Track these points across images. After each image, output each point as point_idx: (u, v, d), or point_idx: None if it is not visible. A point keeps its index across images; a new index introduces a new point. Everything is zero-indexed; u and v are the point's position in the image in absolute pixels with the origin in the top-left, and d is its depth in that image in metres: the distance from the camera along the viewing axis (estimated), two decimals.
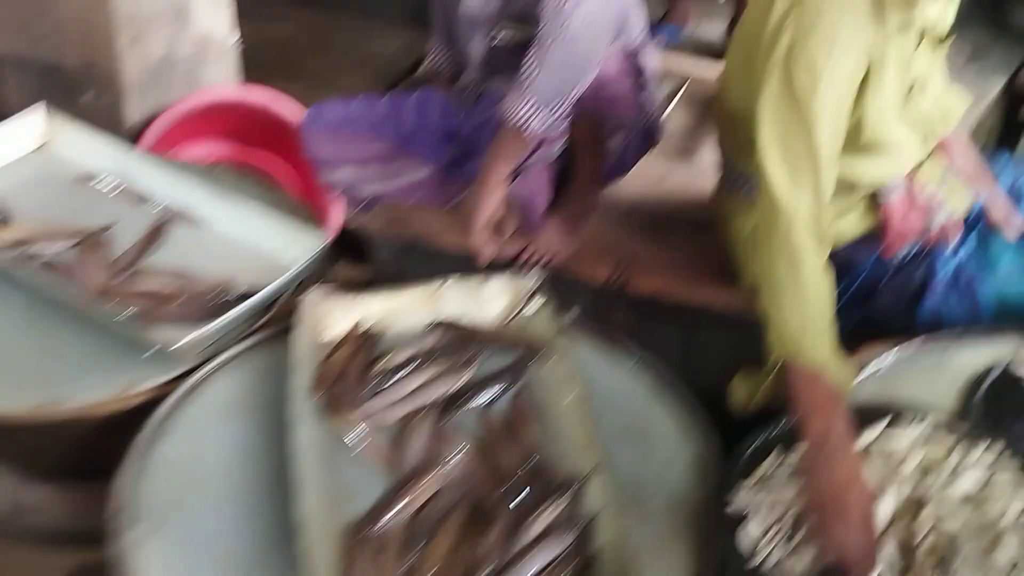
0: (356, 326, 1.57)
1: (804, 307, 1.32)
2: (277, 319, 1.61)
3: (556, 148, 1.72)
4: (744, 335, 1.49)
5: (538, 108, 1.56)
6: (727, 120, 1.66)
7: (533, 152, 1.67)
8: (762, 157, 1.39)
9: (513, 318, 1.61)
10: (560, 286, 1.65)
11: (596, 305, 1.71)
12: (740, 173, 1.65)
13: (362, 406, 1.44)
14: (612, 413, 1.46)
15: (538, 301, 1.58)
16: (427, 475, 1.32)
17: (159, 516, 1.28)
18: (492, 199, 1.64)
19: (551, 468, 1.35)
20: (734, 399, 1.43)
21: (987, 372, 1.48)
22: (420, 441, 1.38)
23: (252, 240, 1.79)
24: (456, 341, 1.57)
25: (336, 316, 1.57)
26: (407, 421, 1.42)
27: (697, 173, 2.11)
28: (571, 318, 1.61)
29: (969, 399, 1.45)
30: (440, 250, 1.85)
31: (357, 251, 1.96)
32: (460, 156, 1.79)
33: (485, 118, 1.71)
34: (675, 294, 1.78)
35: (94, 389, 1.49)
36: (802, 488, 1.26)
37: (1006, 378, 1.46)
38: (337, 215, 2.25)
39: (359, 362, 1.51)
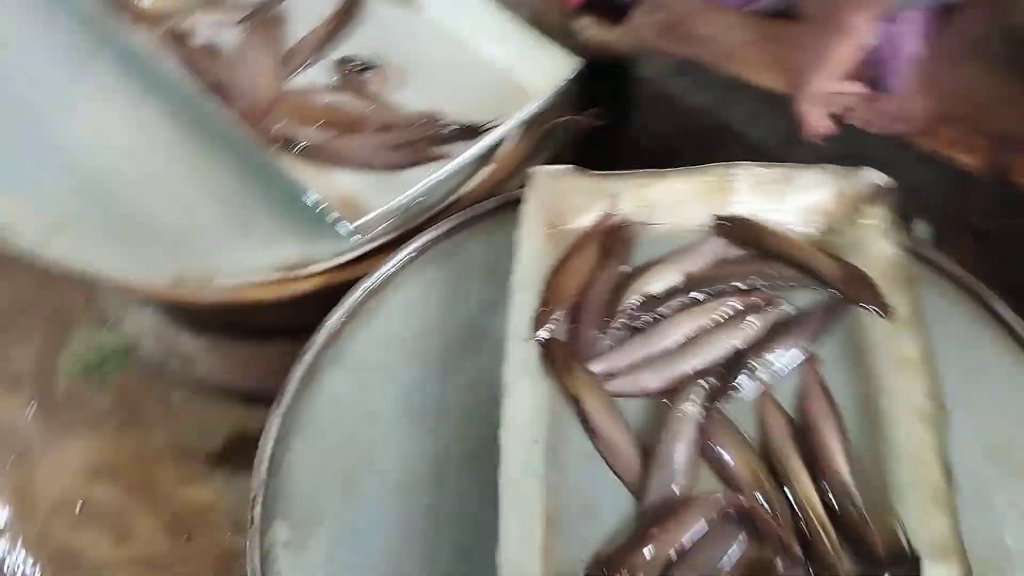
0: (606, 217, 1.09)
1: None
2: (489, 189, 1.15)
3: None
4: None
5: None
6: None
7: None
8: None
9: (835, 231, 1.08)
10: (912, 181, 1.10)
11: (963, 215, 1.15)
12: None
13: (605, 360, 0.99)
14: (987, 417, 0.96)
15: (878, 209, 1.04)
16: (688, 512, 0.89)
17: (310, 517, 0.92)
18: (844, 47, 1.06)
19: (871, 513, 0.89)
20: None
21: None
22: (685, 445, 0.93)
23: (481, 47, 1.29)
24: (748, 259, 1.07)
25: (579, 199, 1.08)
26: (670, 397, 0.96)
27: None
28: (925, 239, 1.07)
29: None
30: (738, 85, 1.27)
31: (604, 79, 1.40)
32: None
33: None
34: None
35: (249, 261, 1.10)
36: None
37: None
38: None
39: (605, 279, 1.04)
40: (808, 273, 1.05)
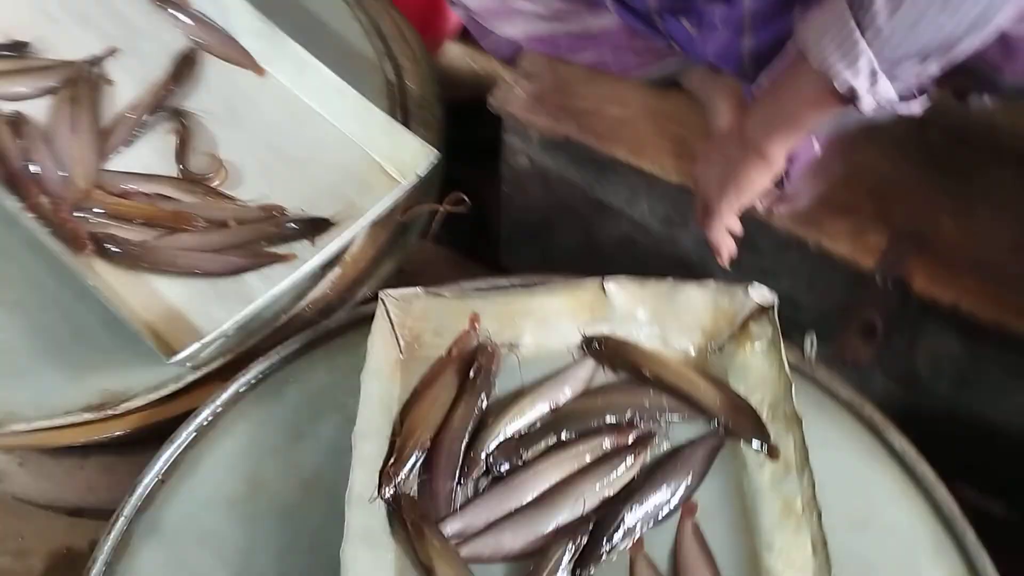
0: (465, 341, 0.97)
1: None
2: (335, 296, 1.02)
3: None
4: None
5: (893, 58, 0.79)
6: None
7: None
8: None
9: (717, 351, 0.99)
10: (805, 283, 1.01)
11: (850, 321, 1.07)
12: None
13: (461, 518, 0.87)
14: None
15: (762, 327, 0.95)
16: None
17: None
18: (764, 176, 0.95)
19: None
20: None
21: None
22: None
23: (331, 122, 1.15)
24: (622, 386, 0.97)
25: (435, 322, 0.96)
26: (535, 563, 0.85)
27: None
28: (813, 356, 0.98)
29: None
30: (617, 165, 1.14)
31: (470, 123, 1.26)
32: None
33: None
34: (999, 315, 1.01)
35: (53, 396, 0.95)
36: None
37: None
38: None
39: (463, 417, 0.93)
40: (686, 402, 0.95)
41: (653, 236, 1.20)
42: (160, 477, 0.89)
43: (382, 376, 0.91)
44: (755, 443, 0.91)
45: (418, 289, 0.94)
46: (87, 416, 0.93)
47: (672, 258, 1.20)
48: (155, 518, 0.87)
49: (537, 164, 1.21)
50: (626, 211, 1.20)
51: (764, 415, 0.92)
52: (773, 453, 0.90)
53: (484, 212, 1.22)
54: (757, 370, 0.95)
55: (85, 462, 1.12)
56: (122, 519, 0.86)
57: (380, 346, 0.91)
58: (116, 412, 0.94)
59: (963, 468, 0.96)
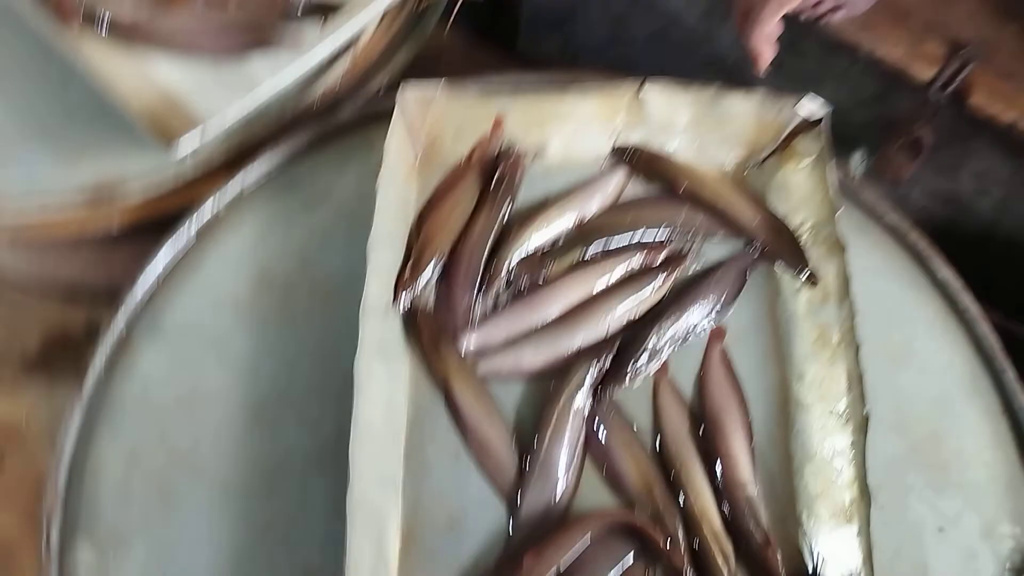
0: (488, 145, 0.90)
1: None
2: (345, 88, 0.94)
3: None
4: None
5: None
6: None
7: None
8: None
9: (758, 167, 0.92)
10: (855, 96, 0.93)
11: (895, 135, 0.99)
12: None
13: (480, 333, 0.83)
14: (913, 407, 0.84)
15: (809, 143, 0.88)
16: (569, 534, 0.76)
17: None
18: None
19: (776, 527, 0.78)
20: None
21: None
22: (568, 445, 0.79)
23: None
24: (653, 201, 0.91)
25: (456, 122, 0.89)
26: (555, 380, 0.81)
27: None
28: (858, 171, 0.92)
29: None
30: None
31: None
32: None
33: None
34: None
35: (44, 179, 0.88)
36: None
37: None
38: None
39: (484, 227, 0.87)
40: (721, 219, 0.89)
41: (688, 32, 1.11)
42: (163, 275, 0.83)
43: (398, 180, 0.84)
44: (793, 268, 0.86)
45: (439, 84, 0.86)
46: (81, 200, 0.87)
47: (706, 57, 1.11)
48: (157, 318, 0.83)
49: None
50: (662, 1, 1.10)
51: (804, 239, 0.86)
52: (812, 279, 0.85)
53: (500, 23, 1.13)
54: (800, 189, 0.88)
55: (81, 246, 1.06)
56: (122, 313, 0.81)
57: (396, 148, 0.84)
58: (112, 201, 0.87)
59: (993, 291, 0.92)
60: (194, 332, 0.82)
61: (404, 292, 0.82)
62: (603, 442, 0.80)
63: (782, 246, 0.87)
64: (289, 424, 0.79)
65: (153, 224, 0.87)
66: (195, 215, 0.85)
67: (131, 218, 0.88)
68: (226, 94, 0.90)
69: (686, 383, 0.83)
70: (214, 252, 0.85)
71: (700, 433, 0.81)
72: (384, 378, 0.78)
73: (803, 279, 0.85)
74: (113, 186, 0.88)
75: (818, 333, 0.83)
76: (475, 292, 0.84)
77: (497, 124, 0.89)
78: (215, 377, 0.80)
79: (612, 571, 0.75)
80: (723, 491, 0.78)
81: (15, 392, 1.14)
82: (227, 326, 0.82)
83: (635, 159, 0.90)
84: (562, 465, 0.78)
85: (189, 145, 0.85)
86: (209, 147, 0.89)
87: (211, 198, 0.86)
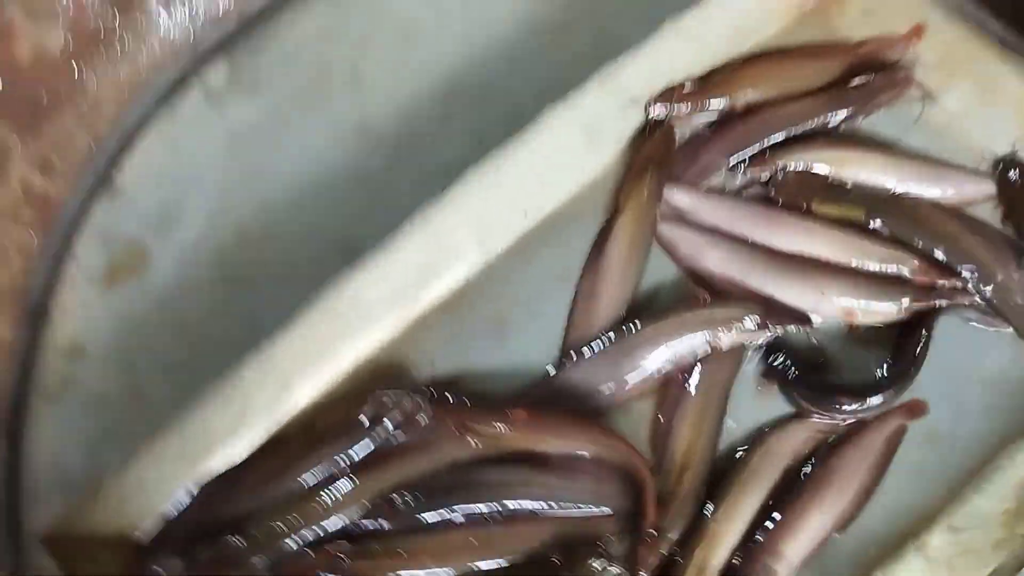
0: (888, 46, 0.72)
1: None
2: None
3: None
4: None
5: None
6: None
7: None
8: None
9: None
10: None
11: None
12: None
13: (696, 199, 0.70)
14: None
15: None
16: (575, 430, 0.65)
17: None
18: None
19: None
20: None
21: None
22: (664, 356, 0.67)
23: None
24: (992, 239, 0.70)
25: None
26: (718, 302, 0.68)
27: None
28: None
29: None
30: None
31: None
32: None
33: None
34: None
35: None
36: None
37: None
38: None
39: (798, 112, 0.72)
40: None
41: None
42: None
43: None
44: None
45: None
46: None
47: None
48: None
49: None
50: None
51: None
52: None
53: None
54: None
55: None
56: None
57: None
58: None
59: None
60: None
61: (666, 104, 0.69)
62: (678, 396, 0.65)
63: None
64: None
65: None
66: None
67: None
68: None
69: None
70: None
71: (797, 477, 0.64)
72: (571, 142, 0.68)
73: None
74: None
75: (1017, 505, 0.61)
76: (730, 162, 0.70)
77: (917, 31, 0.71)
78: None
79: (582, 504, 0.63)
80: (750, 544, 0.62)
81: None
82: None
83: (1015, 180, 0.68)
84: (639, 369, 0.66)
85: None
86: None
87: None
